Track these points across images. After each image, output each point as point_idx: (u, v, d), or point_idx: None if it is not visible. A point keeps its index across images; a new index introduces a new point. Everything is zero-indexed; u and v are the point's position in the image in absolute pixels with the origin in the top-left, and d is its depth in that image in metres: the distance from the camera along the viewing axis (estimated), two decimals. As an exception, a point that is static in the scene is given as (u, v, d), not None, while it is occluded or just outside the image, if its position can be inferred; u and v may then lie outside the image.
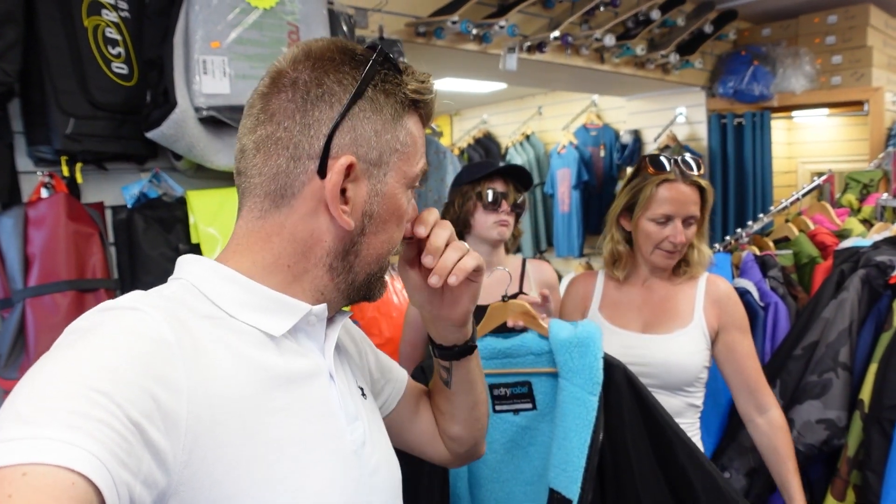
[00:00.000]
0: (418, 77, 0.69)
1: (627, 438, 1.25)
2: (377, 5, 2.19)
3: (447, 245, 0.73)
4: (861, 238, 2.14)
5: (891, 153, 2.88)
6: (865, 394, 1.69)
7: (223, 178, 1.80)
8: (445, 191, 2.68)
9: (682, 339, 1.52)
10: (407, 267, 0.78)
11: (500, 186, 1.73)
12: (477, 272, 0.75)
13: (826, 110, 4.09)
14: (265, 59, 1.59)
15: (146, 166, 1.72)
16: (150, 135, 1.54)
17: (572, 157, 4.43)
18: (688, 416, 1.54)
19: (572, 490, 1.20)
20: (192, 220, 1.66)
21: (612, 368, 1.28)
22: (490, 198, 1.71)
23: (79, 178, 1.55)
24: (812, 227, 2.34)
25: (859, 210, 2.66)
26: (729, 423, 1.93)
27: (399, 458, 0.80)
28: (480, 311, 1.29)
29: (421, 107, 0.70)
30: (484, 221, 1.72)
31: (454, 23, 2.36)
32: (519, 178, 1.77)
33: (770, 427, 1.50)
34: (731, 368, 1.53)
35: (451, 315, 0.79)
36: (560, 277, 3.43)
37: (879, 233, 2.15)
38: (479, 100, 5.10)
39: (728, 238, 2.37)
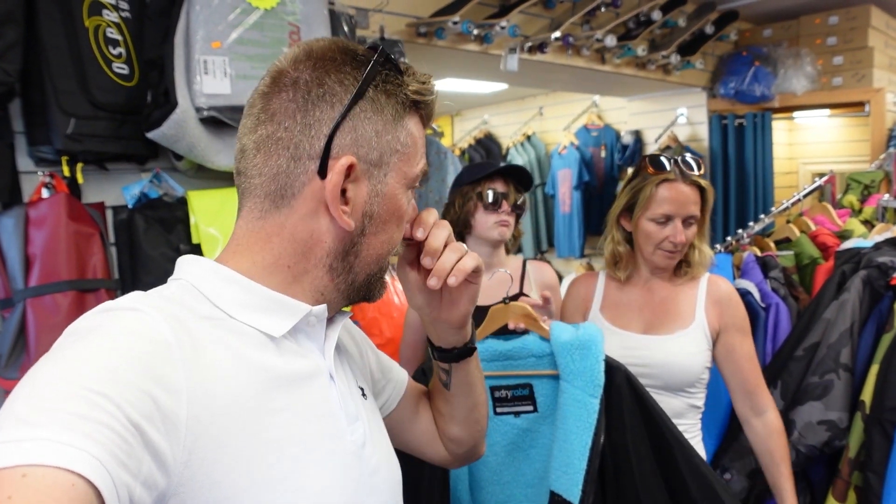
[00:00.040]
0: (419, 78, 0.69)
1: (628, 441, 1.24)
2: (378, 6, 2.19)
3: (446, 246, 0.73)
4: (862, 239, 2.14)
5: (892, 154, 2.87)
6: (867, 395, 1.69)
7: (224, 179, 1.80)
8: (446, 191, 2.68)
9: (684, 340, 1.52)
10: (406, 268, 0.78)
11: (500, 187, 1.73)
12: (475, 273, 0.75)
13: (827, 111, 4.09)
14: (266, 60, 1.59)
15: (147, 166, 1.72)
16: (150, 135, 1.54)
17: (573, 158, 4.43)
18: (689, 417, 1.53)
19: (573, 492, 1.20)
20: (192, 220, 1.66)
21: (614, 371, 1.27)
22: (490, 198, 1.71)
23: (80, 178, 1.55)
24: (813, 227, 2.34)
25: (860, 211, 2.66)
26: (730, 425, 1.92)
27: (399, 459, 0.79)
28: (481, 313, 1.29)
29: (422, 107, 0.70)
30: (484, 222, 1.72)
31: (455, 23, 2.36)
32: (519, 178, 1.77)
33: (766, 429, 1.50)
34: (730, 370, 1.52)
35: (450, 317, 0.79)
36: (561, 278, 3.43)
37: (881, 234, 2.15)
38: (480, 100, 5.10)
39: (729, 239, 2.37)
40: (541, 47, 2.75)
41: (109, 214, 1.63)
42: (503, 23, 2.51)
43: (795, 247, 2.26)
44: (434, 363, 0.88)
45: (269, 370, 0.61)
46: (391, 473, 0.75)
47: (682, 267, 1.58)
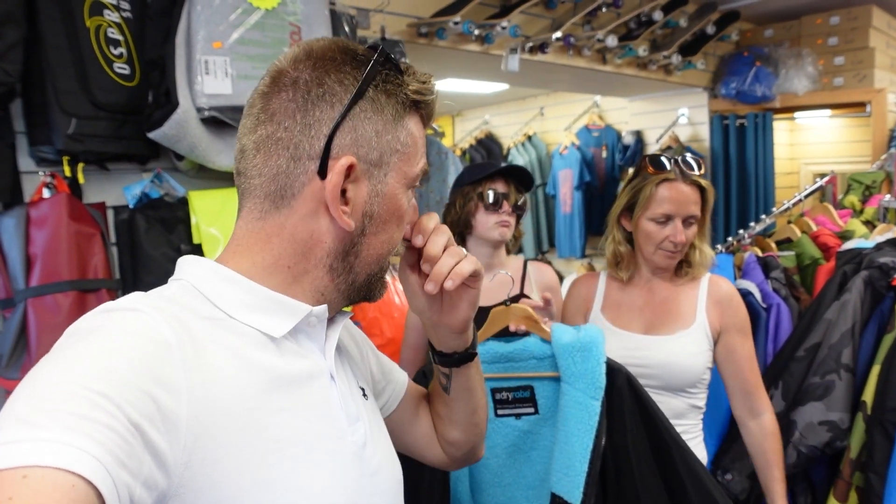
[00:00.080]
0: (419, 77, 0.69)
1: (629, 443, 1.24)
2: (379, 6, 2.19)
3: (444, 250, 0.73)
4: (864, 239, 2.14)
5: (893, 154, 2.87)
6: (868, 396, 1.69)
7: (225, 179, 1.81)
8: (447, 191, 2.68)
9: (685, 341, 1.51)
10: (407, 272, 0.77)
11: (501, 187, 1.73)
12: (474, 277, 0.75)
13: (828, 111, 4.09)
14: (267, 60, 1.59)
15: (148, 166, 1.72)
16: (151, 135, 1.54)
17: (574, 158, 4.43)
18: (690, 418, 1.53)
19: (574, 495, 1.20)
20: (193, 220, 1.66)
21: (615, 373, 1.27)
22: (491, 198, 1.71)
23: (81, 178, 1.55)
24: (814, 228, 2.33)
25: (862, 211, 2.65)
26: (731, 426, 1.92)
27: (400, 460, 0.79)
28: (482, 314, 1.29)
29: (422, 107, 0.70)
30: (485, 222, 1.72)
31: (456, 23, 2.36)
32: (520, 178, 1.77)
33: (761, 431, 1.50)
34: (730, 370, 1.52)
35: (450, 322, 0.79)
36: (561, 279, 3.43)
37: (882, 234, 2.14)
38: (481, 100, 5.10)
39: (730, 239, 2.37)
40: (542, 47, 2.75)
41: (110, 214, 1.63)
42: (504, 23, 2.51)
43: (797, 247, 2.26)
44: (434, 367, 0.88)
45: (270, 370, 0.61)
46: (392, 474, 0.75)
47: (682, 267, 1.57)
